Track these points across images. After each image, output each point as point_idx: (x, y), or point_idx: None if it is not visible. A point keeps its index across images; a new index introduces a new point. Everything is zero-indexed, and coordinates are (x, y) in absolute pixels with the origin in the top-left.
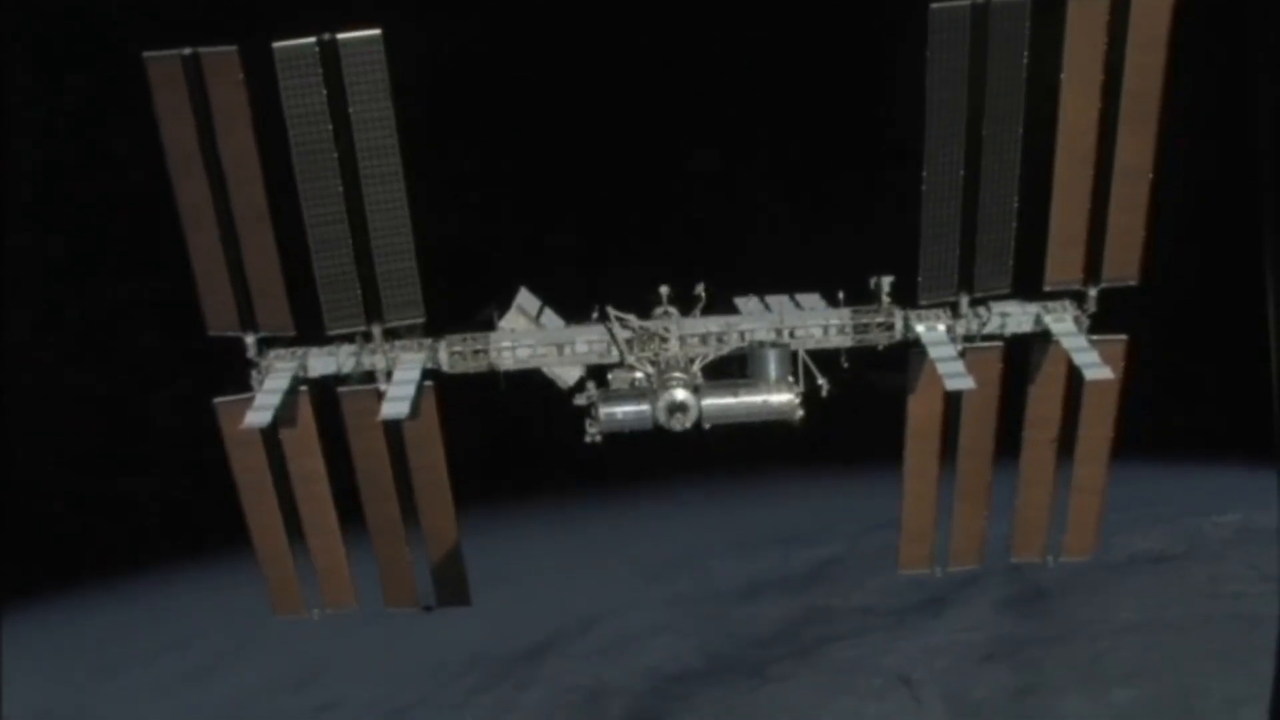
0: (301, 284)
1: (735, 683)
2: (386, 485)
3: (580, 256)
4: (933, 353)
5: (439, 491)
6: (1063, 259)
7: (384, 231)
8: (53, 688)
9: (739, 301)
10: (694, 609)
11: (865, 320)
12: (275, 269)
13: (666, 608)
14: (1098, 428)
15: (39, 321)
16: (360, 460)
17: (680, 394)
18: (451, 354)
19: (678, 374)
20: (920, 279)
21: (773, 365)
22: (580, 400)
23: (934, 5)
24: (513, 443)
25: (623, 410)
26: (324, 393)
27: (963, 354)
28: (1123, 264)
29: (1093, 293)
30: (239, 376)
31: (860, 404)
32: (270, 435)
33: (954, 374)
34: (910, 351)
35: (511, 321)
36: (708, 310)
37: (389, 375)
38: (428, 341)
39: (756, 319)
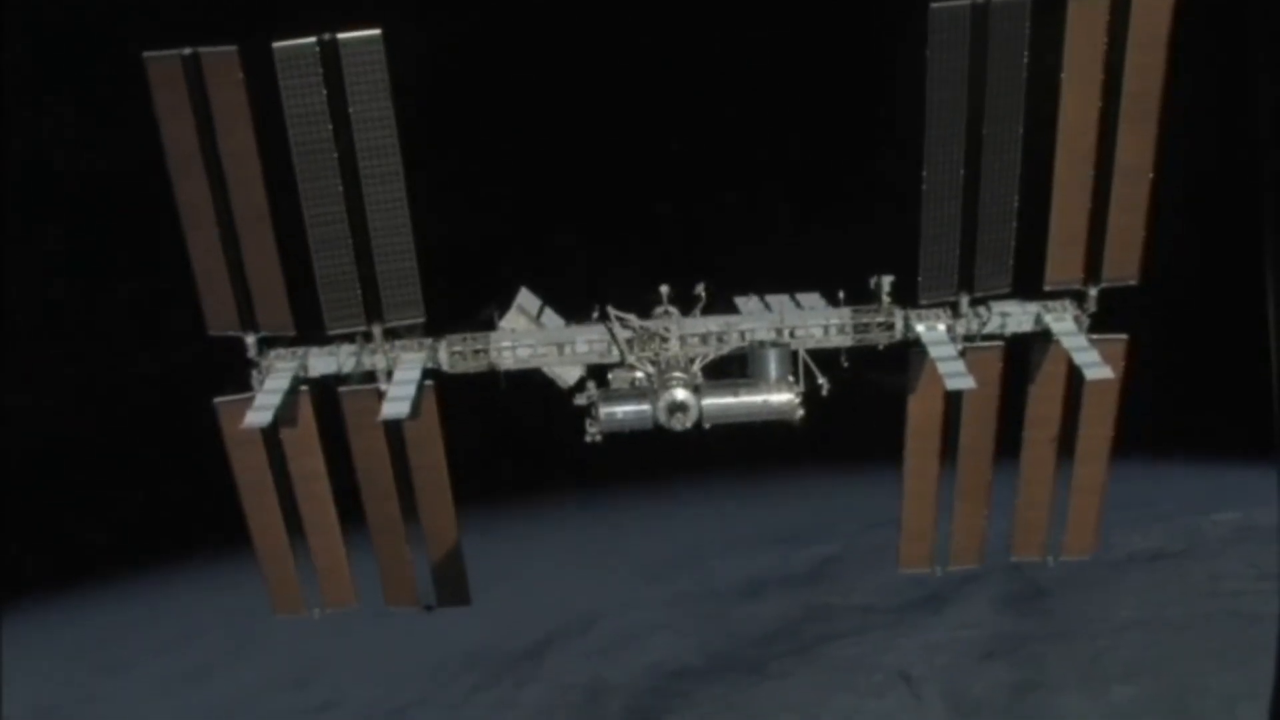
0: (301, 284)
1: (735, 680)
2: (387, 485)
3: (580, 256)
4: (933, 352)
5: (439, 491)
6: (1063, 259)
7: (384, 231)
8: (54, 685)
9: (739, 301)
10: (694, 607)
11: (865, 320)
12: (275, 269)
13: (666, 606)
14: (1098, 427)
15: (39, 321)
16: (360, 460)
17: (680, 394)
18: (452, 354)
19: (678, 374)
20: (920, 278)
21: (773, 365)
22: (580, 400)
23: (934, 5)
24: (513, 442)
25: (623, 410)
26: (324, 392)
27: (963, 353)
28: (1123, 264)
29: (1093, 292)
30: (239, 376)
31: (860, 404)
32: (271, 435)
33: (954, 373)
34: (910, 351)
35: (512, 321)
36: (708, 310)
37: (389, 375)
38: (428, 341)
39: (757, 318)
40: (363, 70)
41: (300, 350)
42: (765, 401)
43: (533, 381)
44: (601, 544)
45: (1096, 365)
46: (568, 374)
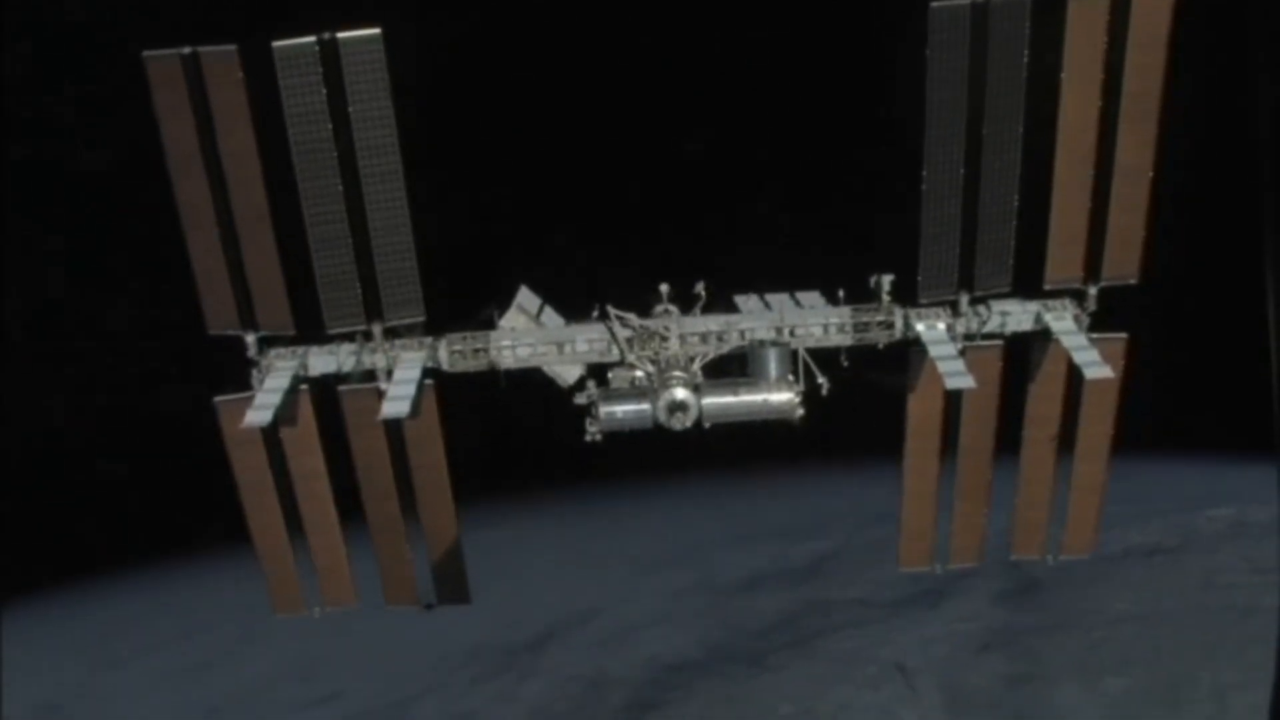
0: (301, 283)
1: (734, 673)
2: (387, 484)
3: (580, 256)
4: (933, 351)
5: (439, 490)
6: (1063, 258)
7: (384, 230)
8: (56, 681)
9: (739, 300)
10: (693, 601)
11: (865, 319)
12: (275, 268)
13: (666, 600)
14: (1097, 426)
15: (39, 321)
16: (360, 459)
17: (680, 393)
18: (452, 353)
19: (678, 373)
20: (920, 277)
21: (773, 364)
22: (580, 399)
23: (934, 4)
24: (513, 441)
25: (623, 409)
26: (324, 391)
27: (963, 353)
28: (1122, 263)
29: (1093, 291)
30: (239, 375)
31: (860, 403)
32: (271, 434)
33: (954, 373)
34: (910, 350)
35: (512, 320)
36: (708, 309)
37: (389, 374)
38: (428, 340)
39: (757, 317)
40: (362, 69)
41: (300, 349)
42: (765, 401)
43: (533, 381)
44: (601, 539)
45: (1096, 364)
46: (568, 373)
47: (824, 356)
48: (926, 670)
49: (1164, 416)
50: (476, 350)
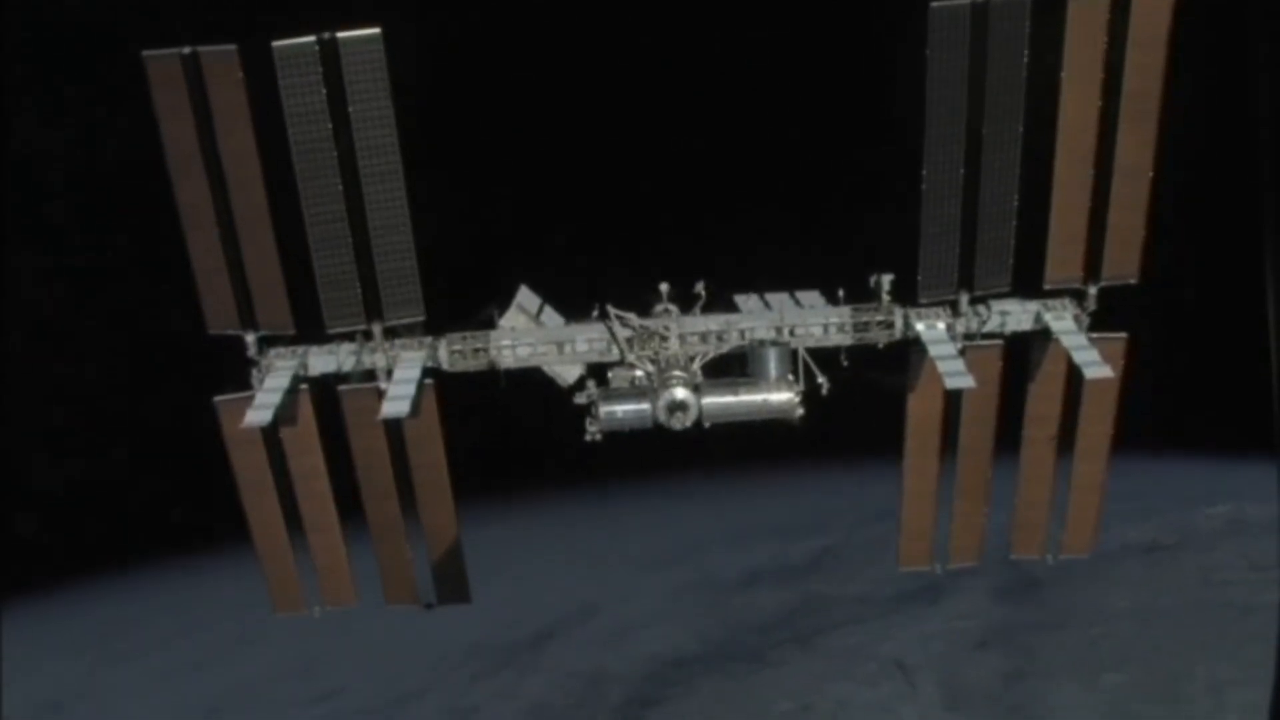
0: (301, 283)
1: (734, 669)
2: (387, 483)
3: (580, 256)
4: (932, 351)
5: (439, 489)
6: (1063, 257)
7: (384, 230)
8: (58, 679)
9: (739, 299)
10: (693, 598)
11: (865, 318)
12: (275, 268)
13: (666, 597)
14: (1097, 425)
15: (40, 320)
16: (360, 458)
17: (680, 392)
18: (452, 352)
19: (678, 372)
20: (920, 277)
21: (773, 364)
22: (580, 399)
23: (934, 4)
24: (513, 441)
25: (623, 409)
26: (324, 391)
27: (963, 352)
28: (1122, 262)
29: (1092, 291)
30: (239, 375)
31: (860, 402)
32: (271, 434)
33: (954, 372)
34: (910, 350)
35: (512, 320)
36: (708, 308)
37: (389, 374)
38: (428, 340)
39: (756, 317)
40: (362, 69)
41: (300, 349)
42: (765, 400)
43: (532, 380)
44: (601, 537)
45: (1096, 364)
46: (567, 373)
47: (824, 356)
48: (925, 667)
49: (1163, 415)
50: (476, 350)
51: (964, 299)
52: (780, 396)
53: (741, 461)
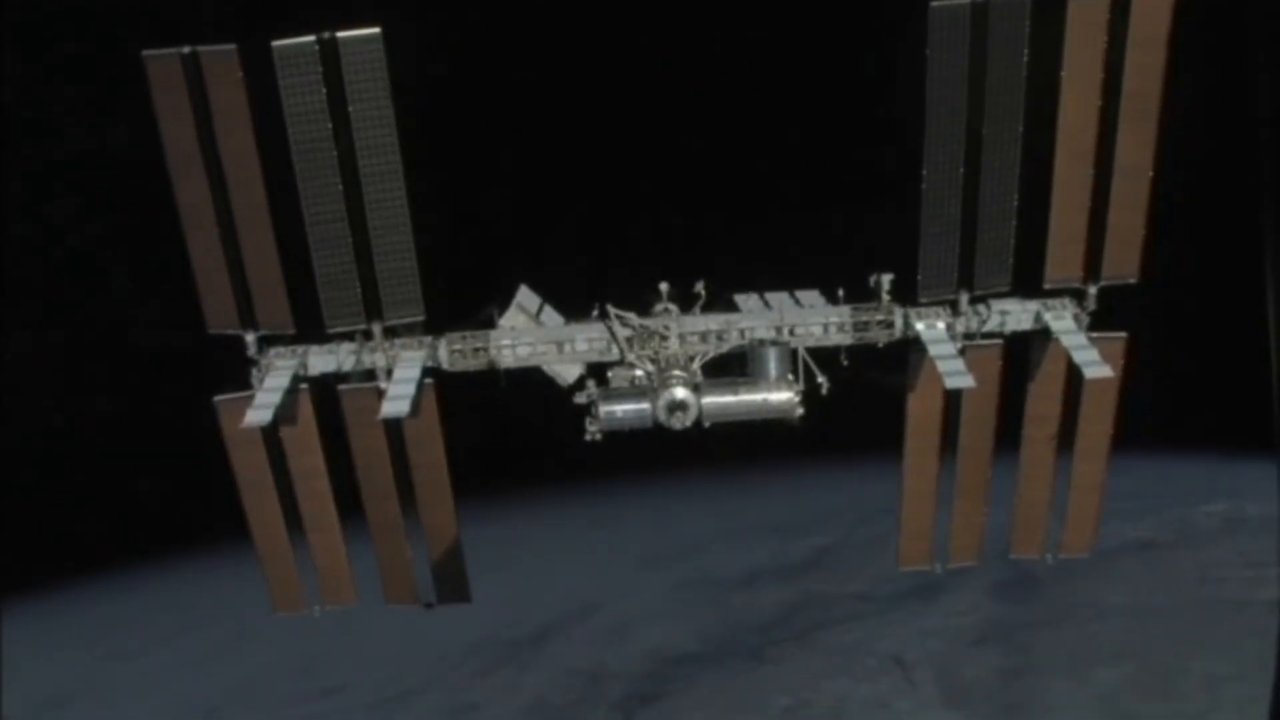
0: (301, 283)
1: (733, 666)
2: (387, 483)
3: (580, 255)
4: (932, 351)
5: (439, 489)
6: (1062, 257)
7: (384, 230)
8: (62, 675)
9: (739, 299)
10: (693, 595)
11: (865, 318)
12: (275, 267)
13: (666, 595)
14: (1097, 425)
15: (40, 320)
16: (360, 458)
17: (680, 392)
18: (451, 352)
19: (678, 372)
20: (920, 277)
21: (773, 363)
22: (580, 398)
23: (934, 4)
24: (513, 440)
25: (623, 409)
26: (324, 391)
27: (962, 352)
28: (1122, 262)
29: (1092, 290)
30: (239, 375)
31: (860, 402)
32: (271, 433)
33: (954, 372)
34: (910, 349)
35: (512, 319)
36: (707, 308)
37: (389, 373)
38: (428, 339)
39: (756, 317)
40: (362, 69)
41: (300, 349)
42: (765, 400)
43: (532, 380)
44: (601, 535)
45: (1096, 364)
46: (567, 372)
47: (824, 356)
48: (923, 663)
49: (1163, 414)
50: (476, 349)
51: (964, 298)
52: (780, 396)
53: (741, 460)
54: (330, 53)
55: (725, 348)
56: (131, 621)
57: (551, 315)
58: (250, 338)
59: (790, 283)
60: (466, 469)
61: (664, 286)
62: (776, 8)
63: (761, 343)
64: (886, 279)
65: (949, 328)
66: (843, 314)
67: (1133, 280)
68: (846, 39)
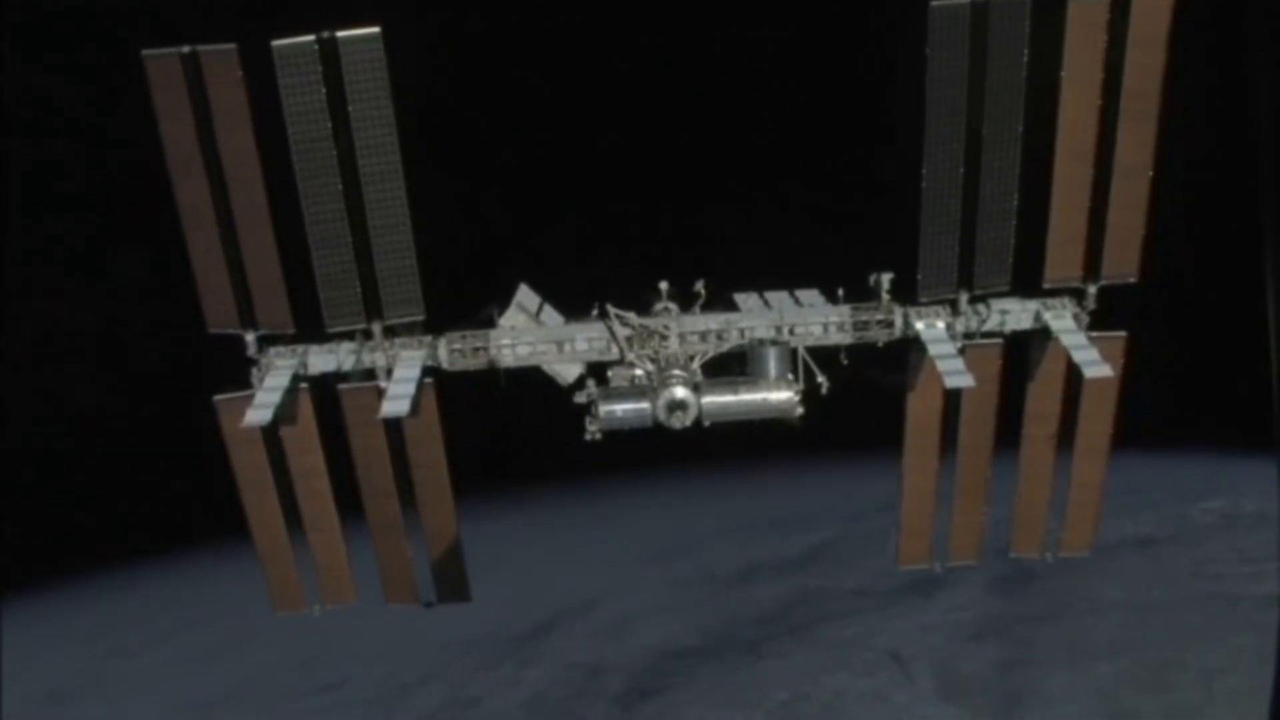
0: (301, 282)
1: (732, 660)
2: (387, 482)
3: (580, 255)
4: (932, 350)
5: (439, 488)
6: (1062, 256)
7: (384, 229)
8: (60, 672)
9: (739, 298)
10: (692, 591)
11: (865, 317)
12: (275, 267)
13: (665, 590)
14: (1097, 424)
15: (40, 320)
16: (360, 457)
17: (680, 392)
18: (451, 351)
19: (677, 371)
20: (920, 276)
21: (772, 363)
22: (580, 398)
23: (934, 3)
24: (513, 440)
25: (622, 408)
26: (324, 390)
27: (962, 351)
28: (1122, 261)
29: (1092, 290)
30: (239, 375)
31: (860, 401)
32: (271, 433)
33: (953, 371)
34: (910, 349)
35: (511, 319)
36: (707, 307)
37: (389, 373)
38: (428, 339)
39: (756, 316)
40: (362, 68)
41: (300, 348)
42: (765, 399)
43: (532, 379)
44: (600, 531)
45: (1095, 363)
46: (567, 372)
47: (823, 355)
48: (921, 657)
49: (1162, 413)
50: (476, 349)
51: (964, 298)
52: (780, 395)
53: (740, 457)
54: (330, 52)
55: (725, 347)
56: (132, 619)
57: (551, 315)
58: (250, 337)
59: (790, 282)
60: (466, 468)
61: (664, 286)
62: (776, 7)
63: (761, 342)
64: (886, 278)
65: (949, 327)
66: (842, 313)
67: (1132, 280)
68: (846, 39)
